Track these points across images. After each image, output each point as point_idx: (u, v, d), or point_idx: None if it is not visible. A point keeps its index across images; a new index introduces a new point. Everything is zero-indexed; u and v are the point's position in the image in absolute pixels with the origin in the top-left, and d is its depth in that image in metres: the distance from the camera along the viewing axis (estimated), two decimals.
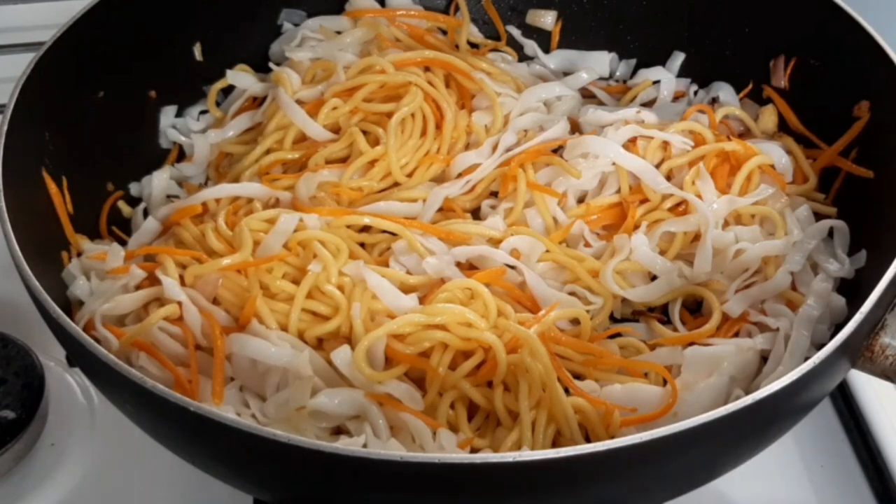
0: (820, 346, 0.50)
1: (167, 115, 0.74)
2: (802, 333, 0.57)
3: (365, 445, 0.53)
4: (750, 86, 0.74)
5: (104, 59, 0.68)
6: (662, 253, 0.64)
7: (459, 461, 0.45)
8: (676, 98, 0.77)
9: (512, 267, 0.62)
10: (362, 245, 0.64)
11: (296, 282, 0.60)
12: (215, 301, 0.60)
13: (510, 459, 0.44)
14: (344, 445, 0.46)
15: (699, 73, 0.77)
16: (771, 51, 0.72)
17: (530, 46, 0.81)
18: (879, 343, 0.52)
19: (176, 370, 0.56)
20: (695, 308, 0.64)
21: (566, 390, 0.55)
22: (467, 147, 0.71)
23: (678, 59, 0.77)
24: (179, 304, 0.58)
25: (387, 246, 0.64)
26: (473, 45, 0.80)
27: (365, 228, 0.65)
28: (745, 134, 0.72)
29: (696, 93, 0.77)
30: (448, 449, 0.53)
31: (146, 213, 0.69)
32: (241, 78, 0.75)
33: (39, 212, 0.62)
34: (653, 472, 0.49)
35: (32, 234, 0.56)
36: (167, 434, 0.53)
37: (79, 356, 0.52)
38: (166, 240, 0.65)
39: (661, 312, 0.64)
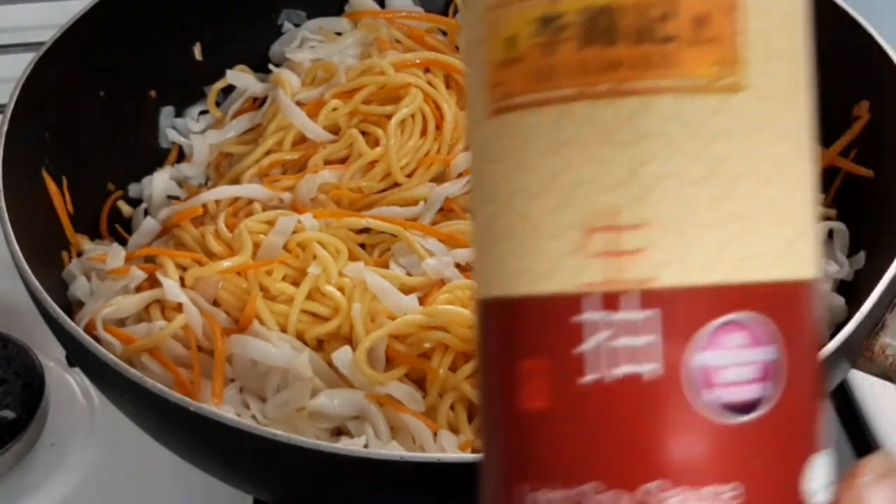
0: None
1: (167, 115, 0.74)
2: None
3: (366, 446, 0.53)
4: None
5: (104, 58, 0.68)
6: None
7: (459, 461, 0.45)
8: None
9: None
10: (362, 246, 0.64)
11: (296, 283, 0.60)
12: (215, 303, 0.60)
13: None
14: (344, 446, 0.46)
15: None
16: None
17: None
18: (879, 343, 0.52)
19: (177, 371, 0.56)
20: None
21: None
22: (467, 148, 0.71)
23: None
24: (180, 304, 0.58)
25: (387, 246, 0.64)
26: None
27: (365, 229, 0.65)
28: None
29: None
30: (449, 450, 0.53)
31: (146, 213, 0.69)
32: (241, 78, 0.75)
33: (39, 212, 0.62)
34: None
35: (32, 234, 0.56)
36: (167, 434, 0.53)
37: (79, 356, 0.52)
38: (166, 241, 0.65)
39: None
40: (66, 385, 0.68)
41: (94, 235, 0.66)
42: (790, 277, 0.24)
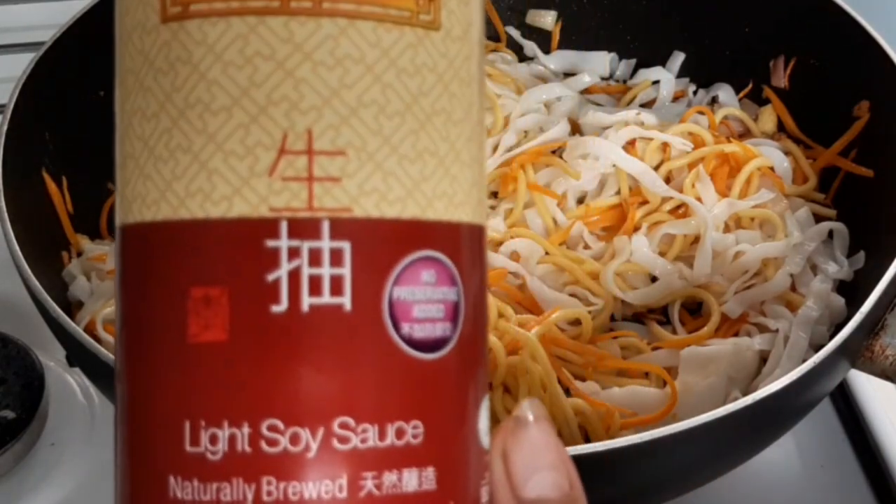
0: (819, 347, 0.50)
1: None
2: (800, 335, 0.57)
3: None
4: (750, 86, 0.74)
5: (104, 58, 0.67)
6: (662, 255, 0.64)
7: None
8: (676, 98, 0.77)
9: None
10: None
11: None
12: None
13: None
14: None
15: (699, 73, 0.77)
16: (771, 50, 0.72)
17: (530, 47, 0.81)
18: (879, 343, 0.52)
19: None
20: (695, 308, 0.64)
21: (567, 392, 0.55)
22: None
23: (678, 58, 0.77)
24: None
25: None
26: None
27: None
28: (745, 134, 0.72)
29: (695, 92, 0.77)
30: None
31: None
32: None
33: (39, 211, 0.62)
34: (651, 473, 0.49)
35: (32, 233, 0.56)
36: None
37: (79, 356, 0.52)
38: None
39: (660, 313, 0.64)
40: (66, 385, 0.68)
41: (95, 235, 0.66)
42: (472, 221, 0.24)
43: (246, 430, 0.22)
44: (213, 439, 0.22)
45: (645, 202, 0.65)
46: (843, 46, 0.66)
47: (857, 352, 0.52)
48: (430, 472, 0.22)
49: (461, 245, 0.24)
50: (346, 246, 0.22)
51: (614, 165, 0.66)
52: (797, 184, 0.68)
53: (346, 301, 0.22)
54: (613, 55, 0.79)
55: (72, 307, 0.60)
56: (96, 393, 0.67)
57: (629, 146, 0.67)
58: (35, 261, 0.53)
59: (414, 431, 0.22)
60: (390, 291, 0.22)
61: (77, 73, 0.66)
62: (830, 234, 0.64)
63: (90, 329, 0.57)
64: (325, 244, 0.22)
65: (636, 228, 0.64)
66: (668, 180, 0.66)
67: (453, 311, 0.23)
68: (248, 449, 0.22)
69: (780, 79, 0.72)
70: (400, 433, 0.22)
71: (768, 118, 0.72)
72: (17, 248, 0.53)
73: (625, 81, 0.79)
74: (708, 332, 0.60)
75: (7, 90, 0.59)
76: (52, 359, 0.68)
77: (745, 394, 0.51)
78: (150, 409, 0.24)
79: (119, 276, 0.24)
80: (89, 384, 0.67)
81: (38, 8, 0.86)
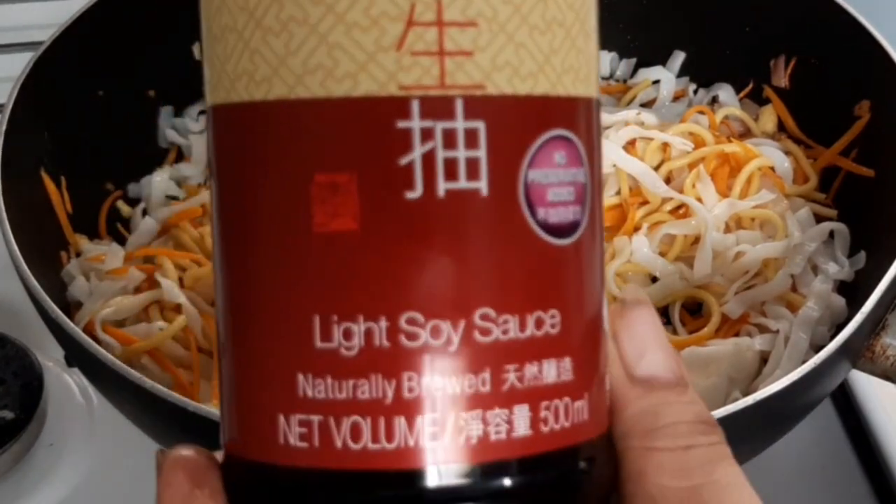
0: (819, 348, 0.50)
1: (166, 115, 0.74)
2: (801, 335, 0.57)
3: None
4: (750, 85, 0.74)
5: (103, 58, 0.68)
6: (662, 255, 0.64)
7: None
8: (677, 98, 0.77)
9: None
10: None
11: None
12: (214, 304, 0.60)
13: None
14: None
15: (699, 73, 0.77)
16: (771, 50, 0.72)
17: None
18: (880, 343, 0.52)
19: (176, 371, 0.55)
20: (695, 309, 0.64)
21: None
22: None
23: (679, 58, 0.77)
24: (179, 305, 0.58)
25: None
26: None
27: None
28: (745, 134, 0.72)
29: (695, 92, 0.77)
30: None
31: (144, 213, 0.69)
32: None
33: (38, 211, 0.62)
34: None
35: (31, 233, 0.56)
36: (166, 434, 0.53)
37: (78, 356, 0.52)
38: (165, 241, 0.65)
39: (660, 314, 0.64)
40: (65, 385, 0.68)
41: (93, 235, 0.66)
42: (593, 96, 0.23)
43: (384, 323, 0.20)
44: (348, 334, 0.20)
45: (645, 202, 0.65)
46: (844, 46, 0.66)
47: (858, 352, 0.52)
48: (566, 362, 0.22)
49: (585, 122, 0.23)
50: (480, 126, 0.20)
51: (614, 165, 0.66)
52: (798, 184, 0.67)
53: (482, 185, 0.21)
54: (613, 55, 0.79)
55: (70, 307, 0.60)
56: (95, 393, 0.67)
57: (629, 146, 0.67)
58: (34, 261, 0.53)
59: (552, 321, 0.21)
60: (525, 174, 0.21)
61: (76, 73, 0.65)
62: (831, 234, 0.64)
63: (89, 329, 0.57)
64: (460, 124, 0.20)
65: (636, 229, 0.64)
66: (668, 180, 0.66)
67: (582, 194, 0.22)
68: (386, 343, 0.20)
69: (781, 78, 0.72)
70: (539, 323, 0.21)
71: (769, 118, 0.72)
72: (15, 248, 0.53)
73: (625, 81, 0.79)
74: (708, 332, 0.60)
75: (6, 90, 0.59)
76: (50, 359, 0.68)
77: (745, 394, 0.51)
78: (271, 307, 0.22)
79: (217, 163, 0.22)
80: (88, 384, 0.67)
81: (37, 7, 0.86)
